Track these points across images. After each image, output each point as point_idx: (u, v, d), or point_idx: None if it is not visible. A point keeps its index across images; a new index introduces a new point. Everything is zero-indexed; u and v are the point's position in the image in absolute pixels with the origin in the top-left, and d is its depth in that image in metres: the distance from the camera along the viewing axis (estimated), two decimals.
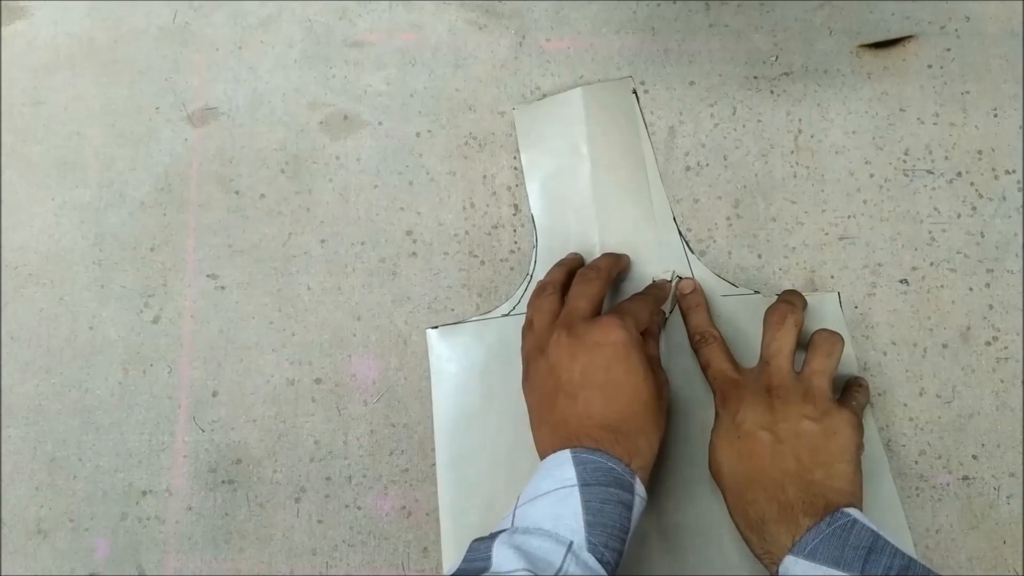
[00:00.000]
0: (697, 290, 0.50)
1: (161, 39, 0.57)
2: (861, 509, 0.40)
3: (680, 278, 0.51)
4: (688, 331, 0.49)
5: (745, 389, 0.44)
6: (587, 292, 0.45)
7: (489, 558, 0.36)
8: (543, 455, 0.43)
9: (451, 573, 0.37)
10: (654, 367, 0.45)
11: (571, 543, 0.37)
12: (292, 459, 0.50)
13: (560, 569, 0.36)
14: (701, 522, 0.47)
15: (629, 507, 0.39)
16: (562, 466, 0.40)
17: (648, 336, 0.47)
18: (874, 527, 0.38)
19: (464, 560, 0.38)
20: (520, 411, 0.46)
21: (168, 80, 0.57)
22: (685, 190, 0.54)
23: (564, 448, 0.40)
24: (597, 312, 0.46)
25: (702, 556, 0.46)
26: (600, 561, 0.37)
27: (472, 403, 0.50)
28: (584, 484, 0.38)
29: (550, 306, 0.46)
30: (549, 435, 0.43)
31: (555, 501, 0.38)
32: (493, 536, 0.38)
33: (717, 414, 0.45)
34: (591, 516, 0.38)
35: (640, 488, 0.40)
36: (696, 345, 0.48)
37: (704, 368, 0.48)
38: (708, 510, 0.47)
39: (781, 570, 0.38)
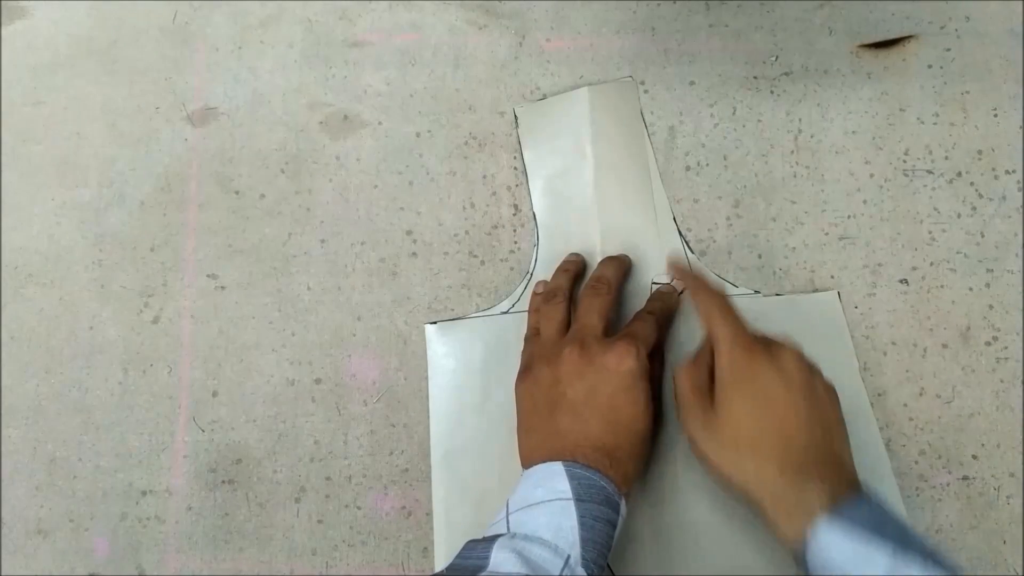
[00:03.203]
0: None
1: (161, 39, 0.57)
2: None
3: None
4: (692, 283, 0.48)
5: (772, 347, 0.43)
6: (598, 307, 0.46)
7: (487, 558, 0.36)
8: (527, 460, 0.44)
9: (446, 567, 0.37)
10: (655, 395, 0.45)
11: (569, 556, 0.37)
12: (292, 459, 0.50)
13: None
14: (695, 523, 0.47)
15: (614, 526, 0.40)
16: (555, 478, 0.40)
17: (654, 355, 0.47)
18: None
19: (459, 556, 0.38)
20: (515, 410, 0.46)
21: (168, 80, 0.57)
22: (685, 190, 0.54)
23: (555, 460, 0.41)
24: (608, 327, 0.46)
25: (695, 556, 0.46)
26: None
27: (468, 399, 0.50)
28: (579, 499, 0.39)
29: (559, 315, 0.47)
30: (539, 443, 0.43)
31: (552, 512, 0.39)
32: (489, 539, 0.38)
33: (735, 365, 0.42)
34: (585, 532, 0.38)
35: (624, 509, 0.41)
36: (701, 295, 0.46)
37: (718, 316, 0.44)
38: (702, 511, 0.47)
39: (818, 531, 0.37)
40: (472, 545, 0.38)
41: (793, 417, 0.41)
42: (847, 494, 0.38)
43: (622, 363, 0.43)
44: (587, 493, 0.39)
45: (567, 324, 0.47)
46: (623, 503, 0.41)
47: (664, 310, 0.49)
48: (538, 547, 0.37)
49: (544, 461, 0.41)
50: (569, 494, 0.39)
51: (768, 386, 0.41)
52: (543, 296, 0.49)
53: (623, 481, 0.41)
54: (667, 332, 0.50)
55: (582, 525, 0.38)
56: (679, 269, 0.48)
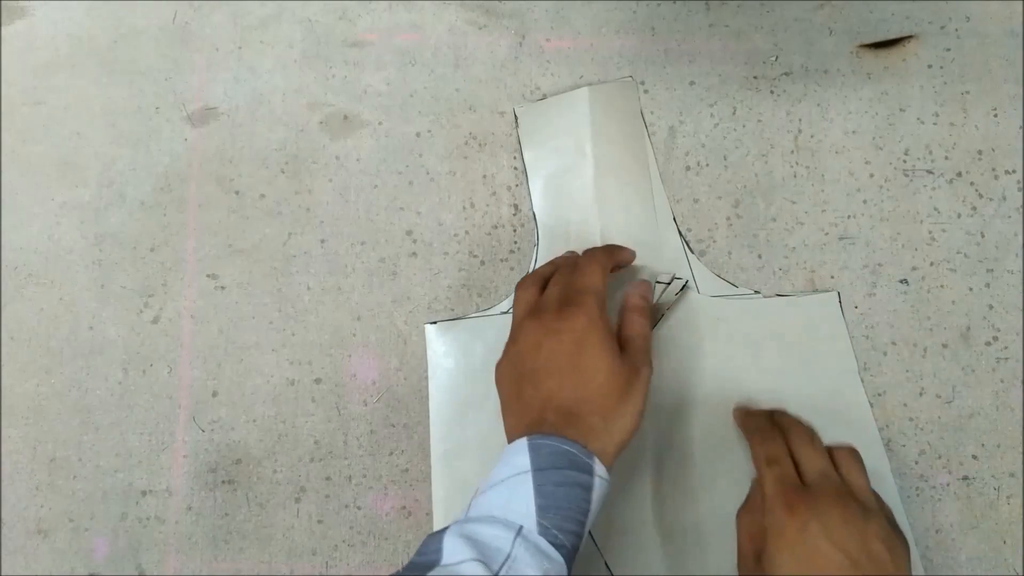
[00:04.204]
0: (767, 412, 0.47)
1: (161, 39, 0.57)
2: None
3: (679, 279, 0.51)
4: (751, 434, 0.45)
5: (817, 499, 0.40)
6: (560, 282, 0.45)
7: (440, 550, 0.36)
8: (508, 441, 0.43)
9: (403, 568, 0.37)
10: (633, 353, 0.43)
11: (520, 527, 0.36)
12: (292, 459, 0.50)
13: (509, 555, 0.36)
14: (703, 524, 0.47)
15: (588, 488, 0.39)
16: (518, 454, 0.39)
17: (633, 312, 0.46)
18: None
19: (417, 553, 0.37)
20: None
21: (168, 80, 0.57)
22: (685, 190, 0.54)
23: (524, 435, 0.40)
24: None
25: (704, 558, 0.46)
26: (554, 544, 0.37)
27: (468, 399, 0.50)
28: (538, 469, 0.38)
29: (528, 297, 0.46)
30: (514, 423, 0.43)
31: (507, 488, 0.38)
32: (445, 528, 0.38)
33: (776, 522, 0.40)
34: (543, 499, 0.37)
35: (600, 469, 0.39)
36: (759, 441, 0.44)
37: (766, 464, 0.42)
38: (710, 512, 0.47)
39: None
40: (428, 540, 0.38)
41: None
42: None
43: (572, 321, 0.42)
44: (548, 460, 0.38)
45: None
46: (597, 463, 0.39)
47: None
48: (487, 526, 0.37)
49: (518, 438, 0.40)
50: (527, 467, 0.38)
51: (813, 548, 0.38)
52: (518, 283, 0.48)
53: (589, 439, 0.40)
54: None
55: (539, 493, 0.37)
56: (743, 415, 0.47)
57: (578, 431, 0.40)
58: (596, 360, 0.42)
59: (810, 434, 0.43)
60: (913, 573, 0.36)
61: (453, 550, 0.36)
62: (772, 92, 0.55)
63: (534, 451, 0.39)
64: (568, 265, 0.47)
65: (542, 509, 0.37)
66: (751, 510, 0.43)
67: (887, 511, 0.41)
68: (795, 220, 0.53)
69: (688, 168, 0.54)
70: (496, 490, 0.39)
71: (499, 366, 0.46)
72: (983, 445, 0.49)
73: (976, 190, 0.54)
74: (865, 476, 0.42)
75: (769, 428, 0.44)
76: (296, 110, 0.56)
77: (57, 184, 0.55)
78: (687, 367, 0.49)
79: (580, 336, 0.42)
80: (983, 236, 0.53)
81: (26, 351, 0.52)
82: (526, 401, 0.42)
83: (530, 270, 0.52)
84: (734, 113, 0.55)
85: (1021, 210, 0.53)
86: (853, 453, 0.43)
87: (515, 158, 0.55)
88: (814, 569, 0.38)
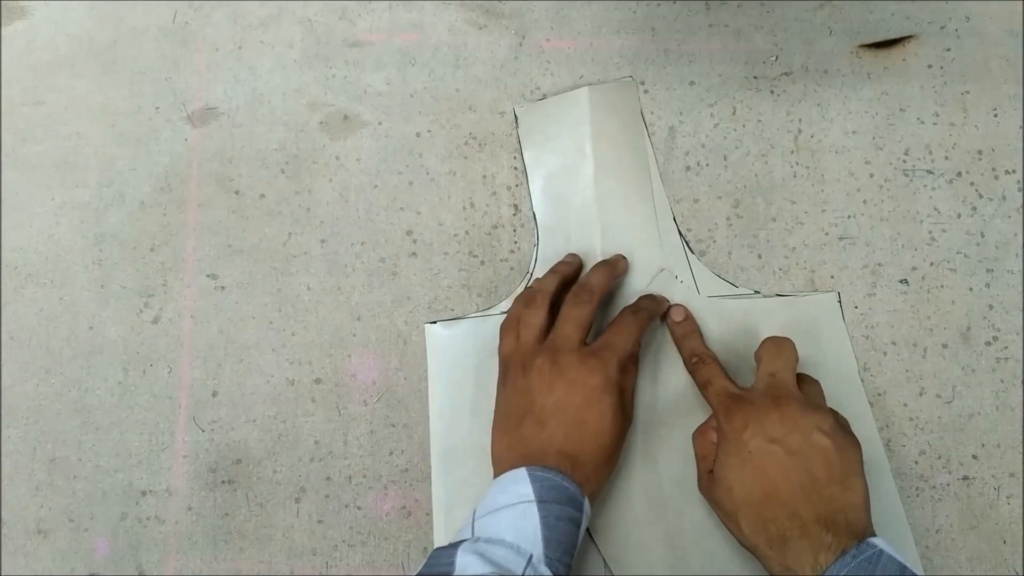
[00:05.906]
0: (689, 317, 0.50)
1: (161, 39, 0.57)
2: (871, 520, 0.40)
3: (676, 277, 0.51)
4: (683, 355, 0.49)
5: (750, 404, 0.43)
6: (576, 317, 0.46)
7: (452, 563, 0.37)
8: (496, 462, 0.45)
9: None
10: (625, 407, 0.45)
11: (531, 556, 0.38)
12: (292, 459, 0.50)
13: None
14: (703, 524, 0.47)
15: (578, 524, 0.41)
16: (518, 483, 0.41)
17: (628, 362, 0.47)
18: (899, 558, 0.37)
19: (425, 566, 0.38)
20: None
21: (168, 80, 0.57)
22: (685, 190, 0.54)
23: (520, 465, 0.42)
24: (585, 337, 0.46)
25: (704, 558, 0.46)
26: (555, 575, 0.38)
27: (468, 399, 0.50)
28: (541, 501, 0.40)
29: (538, 320, 0.46)
30: (507, 448, 0.44)
31: (515, 515, 0.39)
32: (454, 545, 0.39)
33: (722, 433, 0.43)
34: (548, 531, 0.39)
35: (588, 508, 0.42)
36: (693, 367, 0.47)
37: (703, 387, 0.46)
38: (710, 512, 0.47)
39: None
40: (438, 553, 0.39)
41: (780, 481, 0.40)
42: (836, 552, 0.37)
43: (591, 378, 0.43)
44: (549, 494, 0.40)
45: (546, 329, 0.46)
46: (587, 503, 0.42)
47: (650, 313, 0.48)
48: (501, 549, 0.38)
49: (512, 466, 0.42)
50: (531, 496, 0.40)
51: (753, 448, 0.41)
52: (526, 297, 0.48)
53: (585, 483, 0.42)
54: (644, 334, 0.49)
55: (544, 525, 0.39)
56: (677, 312, 0.50)
57: (580, 474, 0.42)
58: (604, 420, 0.43)
59: (779, 340, 0.46)
60: (913, 573, 0.37)
61: (466, 564, 0.37)
62: (772, 92, 0.55)
63: (536, 482, 0.40)
64: (580, 297, 0.46)
65: (547, 540, 0.39)
66: (702, 432, 0.45)
67: (842, 419, 0.43)
68: (795, 220, 0.53)
69: (688, 168, 0.54)
70: (502, 515, 0.40)
71: (503, 384, 0.46)
72: (983, 445, 0.49)
73: (976, 190, 0.54)
74: (818, 386, 0.46)
75: (701, 350, 0.47)
76: (296, 110, 0.56)
77: (57, 184, 0.55)
78: (681, 379, 0.49)
79: (595, 395, 0.43)
80: (983, 236, 0.53)
81: (26, 351, 0.52)
82: (525, 435, 0.43)
83: (530, 270, 0.52)
84: (734, 113, 0.55)
85: (1021, 210, 0.53)
86: (805, 375, 0.46)
87: (515, 158, 0.55)
88: (755, 468, 0.40)
